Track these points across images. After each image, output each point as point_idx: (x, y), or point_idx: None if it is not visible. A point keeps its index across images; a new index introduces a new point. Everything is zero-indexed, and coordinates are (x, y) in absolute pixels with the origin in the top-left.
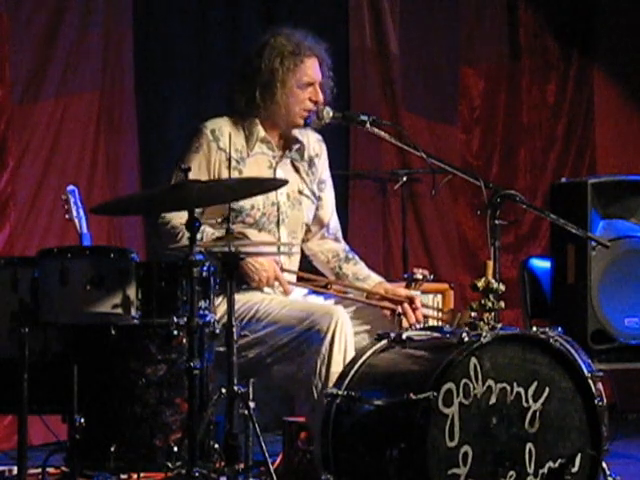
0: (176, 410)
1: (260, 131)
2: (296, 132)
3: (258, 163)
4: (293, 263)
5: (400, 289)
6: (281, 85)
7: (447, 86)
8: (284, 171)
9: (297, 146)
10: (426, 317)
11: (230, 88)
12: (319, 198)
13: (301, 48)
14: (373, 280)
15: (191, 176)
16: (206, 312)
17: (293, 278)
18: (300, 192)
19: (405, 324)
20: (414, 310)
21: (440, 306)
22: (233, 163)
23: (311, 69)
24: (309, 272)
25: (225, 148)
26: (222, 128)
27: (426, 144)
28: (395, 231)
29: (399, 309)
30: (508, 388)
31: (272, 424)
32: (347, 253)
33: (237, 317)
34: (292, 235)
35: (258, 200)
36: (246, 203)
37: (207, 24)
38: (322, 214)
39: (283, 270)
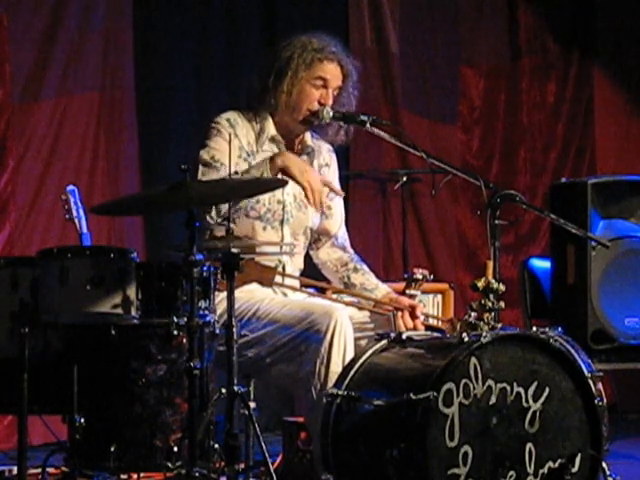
0: (176, 410)
1: (271, 130)
2: (308, 139)
3: None
4: (295, 265)
5: (404, 299)
6: (293, 74)
7: (447, 86)
8: None
9: (307, 151)
10: (426, 326)
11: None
12: (328, 207)
13: (325, 49)
14: (380, 291)
15: (218, 157)
16: (206, 312)
17: (295, 283)
18: (306, 196)
19: (400, 323)
20: (414, 319)
21: (440, 307)
22: (244, 155)
23: (327, 70)
24: (314, 279)
25: (240, 137)
26: (236, 119)
27: (426, 144)
28: (395, 231)
29: (398, 312)
30: (508, 388)
31: (272, 424)
32: (355, 263)
33: (237, 315)
34: (294, 237)
35: (264, 195)
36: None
37: (207, 24)
38: (331, 223)
39: (284, 275)
